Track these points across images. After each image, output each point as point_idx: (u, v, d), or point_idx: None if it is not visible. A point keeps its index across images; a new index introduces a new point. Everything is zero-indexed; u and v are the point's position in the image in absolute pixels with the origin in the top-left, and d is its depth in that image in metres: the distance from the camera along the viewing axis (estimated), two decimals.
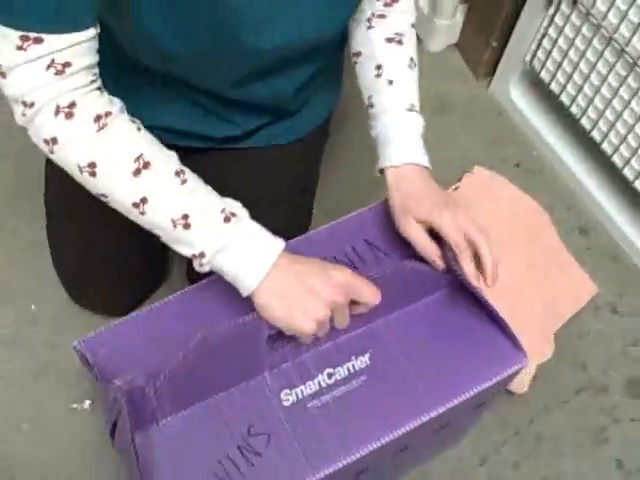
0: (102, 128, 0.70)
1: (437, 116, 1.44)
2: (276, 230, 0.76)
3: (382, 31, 0.89)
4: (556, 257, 1.25)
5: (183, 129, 0.95)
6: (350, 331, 0.81)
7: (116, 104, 0.73)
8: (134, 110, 0.77)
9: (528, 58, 1.34)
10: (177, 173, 0.73)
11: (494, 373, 0.82)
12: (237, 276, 0.72)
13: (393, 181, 0.83)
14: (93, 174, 0.71)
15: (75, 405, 1.09)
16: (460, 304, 0.84)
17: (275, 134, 1.00)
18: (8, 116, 0.72)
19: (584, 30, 1.21)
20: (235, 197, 0.84)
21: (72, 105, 0.69)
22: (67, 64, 0.68)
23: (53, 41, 0.66)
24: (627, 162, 1.23)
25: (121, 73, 0.85)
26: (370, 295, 0.74)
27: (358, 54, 0.90)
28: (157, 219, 0.73)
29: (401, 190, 0.83)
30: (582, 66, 1.24)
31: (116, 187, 0.72)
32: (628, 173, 1.24)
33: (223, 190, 0.86)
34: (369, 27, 0.89)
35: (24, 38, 0.64)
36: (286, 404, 0.78)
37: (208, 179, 0.93)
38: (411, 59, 0.89)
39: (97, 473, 1.05)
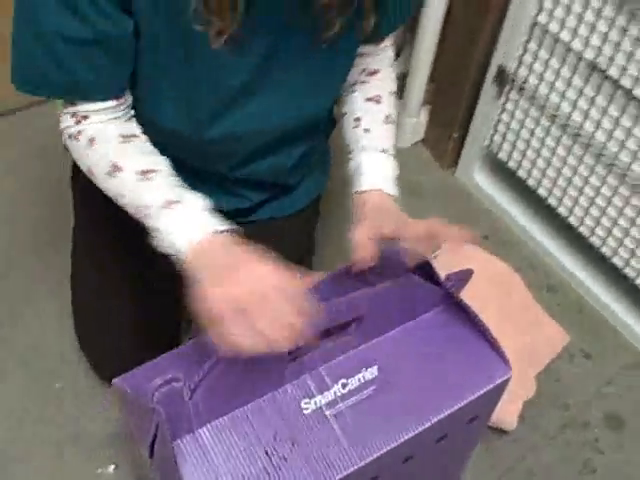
0: (92, 146, 0.90)
1: (409, 200, 1.60)
2: None
3: (362, 93, 1.06)
4: (529, 311, 1.40)
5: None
6: (359, 345, 0.93)
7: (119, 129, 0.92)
8: None
9: (486, 143, 1.54)
10: (142, 172, 0.87)
11: (484, 383, 0.94)
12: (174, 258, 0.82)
13: (358, 204, 0.95)
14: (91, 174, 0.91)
15: (100, 470, 1.17)
16: (453, 320, 0.97)
17: (278, 207, 1.15)
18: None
19: (532, 112, 1.41)
20: None
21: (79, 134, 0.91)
22: (85, 117, 0.90)
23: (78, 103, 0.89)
24: (582, 222, 1.40)
25: None
26: None
27: (342, 114, 1.07)
28: (133, 214, 0.87)
29: (364, 208, 0.94)
30: (534, 143, 1.44)
31: (104, 188, 0.91)
32: (585, 231, 1.41)
33: None
34: (352, 91, 1.06)
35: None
36: (306, 412, 0.89)
37: None
38: (387, 116, 1.04)
39: None
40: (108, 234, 1.15)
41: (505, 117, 1.47)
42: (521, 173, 1.49)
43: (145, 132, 0.96)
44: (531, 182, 1.48)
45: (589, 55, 1.26)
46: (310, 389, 0.90)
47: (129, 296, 1.16)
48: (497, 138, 1.52)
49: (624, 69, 1.21)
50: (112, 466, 1.18)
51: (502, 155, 1.52)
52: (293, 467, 0.85)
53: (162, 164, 0.90)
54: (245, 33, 0.84)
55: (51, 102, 0.98)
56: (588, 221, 1.39)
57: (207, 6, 0.79)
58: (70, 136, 0.92)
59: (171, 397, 0.82)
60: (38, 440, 1.19)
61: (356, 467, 0.85)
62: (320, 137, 1.14)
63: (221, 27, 0.82)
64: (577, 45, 1.27)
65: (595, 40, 1.24)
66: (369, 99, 1.05)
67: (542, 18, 1.31)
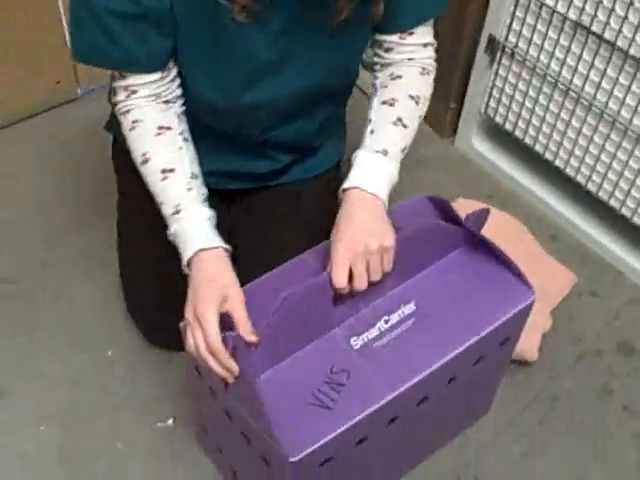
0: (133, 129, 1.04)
1: (413, 170, 1.72)
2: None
3: (380, 96, 1.11)
4: (536, 256, 1.51)
5: (235, 170, 1.21)
6: (396, 286, 1.05)
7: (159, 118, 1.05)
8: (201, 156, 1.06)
9: (483, 109, 1.66)
10: (162, 171, 1.02)
11: (512, 306, 1.07)
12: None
13: (342, 202, 1.02)
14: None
15: (160, 424, 1.28)
16: (477, 256, 1.09)
17: (304, 169, 1.27)
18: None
19: (523, 75, 1.53)
20: (279, 223, 1.10)
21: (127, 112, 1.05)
22: (134, 91, 1.03)
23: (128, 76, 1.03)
24: (578, 171, 1.52)
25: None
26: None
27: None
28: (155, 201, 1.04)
29: (342, 211, 1.01)
30: (527, 103, 1.55)
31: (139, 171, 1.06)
32: (582, 180, 1.53)
33: (269, 219, 1.14)
34: (374, 95, 1.12)
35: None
36: (356, 347, 1.00)
37: (256, 214, 1.20)
38: (398, 118, 1.07)
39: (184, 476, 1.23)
40: (149, 204, 1.25)
41: (498, 83, 1.59)
42: (518, 133, 1.61)
43: (195, 109, 1.08)
44: (528, 140, 1.59)
45: (573, 15, 1.38)
46: (357, 328, 1.01)
47: (177, 266, 1.27)
48: (492, 104, 1.63)
49: (606, 24, 1.33)
50: (171, 419, 1.28)
51: (498, 119, 1.63)
52: (350, 390, 0.96)
53: (182, 162, 1.04)
54: (265, 8, 0.96)
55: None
56: (584, 169, 1.51)
57: None
58: (119, 112, 1.06)
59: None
60: (95, 403, 1.30)
61: (408, 385, 0.97)
62: (339, 104, 1.25)
63: (244, 2, 0.94)
64: (560, 7, 1.39)
65: (577, 1, 1.36)
66: (384, 102, 1.09)
67: None
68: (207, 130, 1.14)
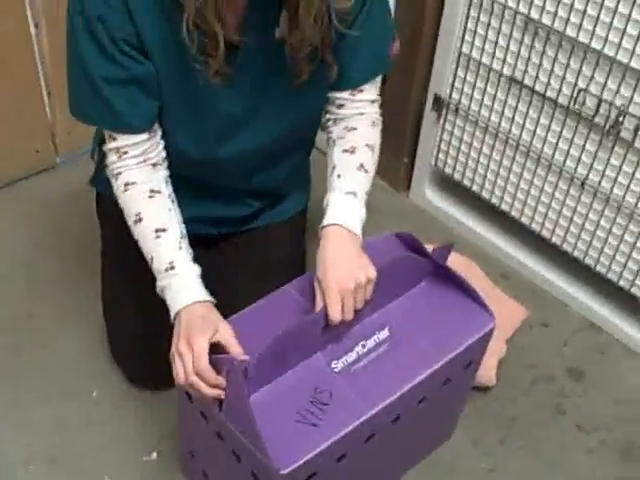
0: (126, 191, 1.15)
1: (372, 220, 1.82)
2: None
3: (340, 146, 1.23)
4: (488, 291, 1.63)
5: (211, 216, 1.33)
6: (371, 314, 1.16)
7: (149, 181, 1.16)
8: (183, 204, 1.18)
9: (433, 162, 1.81)
10: (156, 230, 1.12)
11: (475, 332, 1.19)
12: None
13: (321, 238, 1.13)
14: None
15: (145, 458, 1.35)
16: (443, 286, 1.22)
17: (275, 213, 1.40)
18: None
19: (467, 128, 1.69)
20: (251, 263, 1.22)
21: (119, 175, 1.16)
22: (125, 152, 1.14)
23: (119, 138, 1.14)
24: (522, 213, 1.67)
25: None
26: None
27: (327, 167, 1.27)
28: (144, 255, 1.14)
29: (324, 248, 1.12)
30: (472, 154, 1.71)
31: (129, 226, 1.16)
32: (525, 221, 1.67)
33: (242, 265, 1.26)
34: (333, 145, 1.25)
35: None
36: (336, 370, 1.10)
37: (229, 259, 1.31)
38: (360, 165, 1.20)
39: None
40: (132, 250, 1.35)
41: (445, 137, 1.75)
42: (466, 182, 1.76)
43: (176, 164, 1.20)
44: (475, 188, 1.74)
45: (507, 72, 1.55)
46: (337, 353, 1.12)
47: (160, 307, 1.36)
48: (441, 156, 1.78)
49: (536, 77, 1.50)
50: (155, 453, 1.36)
51: (448, 170, 1.78)
52: (333, 409, 1.05)
53: (173, 223, 1.15)
54: (234, 72, 1.09)
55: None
56: (527, 211, 1.66)
57: (200, 51, 1.04)
58: (112, 174, 1.17)
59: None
60: (83, 442, 1.37)
61: (384, 404, 1.07)
62: (303, 154, 1.39)
63: (214, 67, 1.07)
64: (496, 65, 1.56)
65: (510, 58, 1.53)
66: (345, 150, 1.21)
67: (465, 49, 1.60)
68: (187, 180, 1.25)
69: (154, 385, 1.41)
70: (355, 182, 1.19)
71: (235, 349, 1.02)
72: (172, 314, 1.08)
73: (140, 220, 1.14)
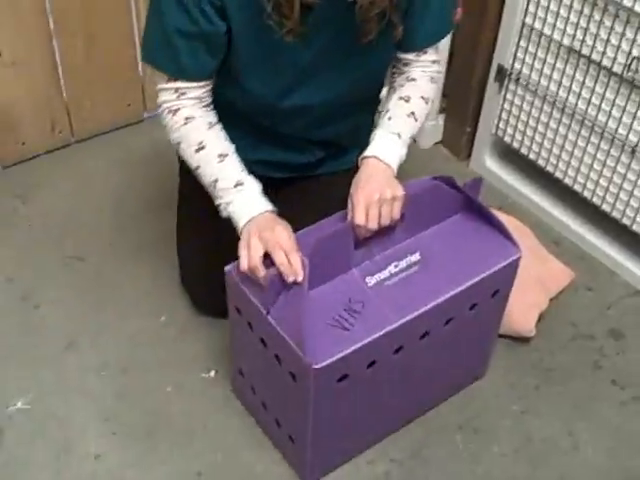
0: (187, 124, 1.28)
1: None
2: None
3: (397, 93, 1.38)
4: (540, 252, 1.70)
5: (276, 160, 1.45)
6: (404, 239, 1.27)
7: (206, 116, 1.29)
8: (243, 149, 1.31)
9: (494, 131, 1.89)
10: (219, 155, 1.25)
11: (501, 260, 1.28)
12: (234, 220, 1.23)
13: (360, 167, 1.28)
14: (179, 145, 1.31)
15: (203, 375, 1.50)
16: (474, 220, 1.32)
17: (335, 164, 1.51)
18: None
19: (527, 98, 1.76)
20: (315, 207, 1.33)
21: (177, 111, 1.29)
22: (183, 93, 1.27)
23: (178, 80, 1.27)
24: (574, 180, 1.73)
25: (234, 127, 1.36)
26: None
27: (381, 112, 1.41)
28: (204, 181, 1.28)
29: (359, 173, 1.27)
30: (531, 123, 1.78)
31: (186, 156, 1.29)
32: (579, 189, 1.74)
33: (305, 205, 1.38)
34: (392, 93, 1.39)
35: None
36: (370, 284, 1.22)
37: (294, 200, 1.43)
38: (412, 112, 1.33)
39: (225, 421, 1.43)
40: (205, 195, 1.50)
41: (507, 107, 1.83)
42: (524, 151, 1.83)
43: (241, 103, 1.33)
44: (532, 156, 1.82)
45: (567, 42, 1.62)
46: (371, 270, 1.24)
47: (224, 244, 1.49)
48: (502, 125, 1.86)
49: (593, 46, 1.57)
50: (213, 371, 1.50)
51: (507, 139, 1.86)
52: (365, 316, 1.17)
53: (232, 150, 1.29)
54: (308, 30, 1.20)
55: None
56: (580, 179, 1.73)
57: (276, 12, 1.16)
58: (169, 110, 1.29)
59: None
60: (150, 356, 1.52)
61: (412, 316, 1.18)
62: (367, 112, 1.50)
63: (289, 26, 1.18)
64: (557, 35, 1.64)
65: (570, 29, 1.61)
66: (401, 98, 1.35)
67: (528, 20, 1.68)
68: (255, 126, 1.38)
69: (216, 311, 1.55)
70: (403, 126, 1.32)
71: (296, 263, 1.14)
72: (240, 224, 1.21)
73: (203, 147, 1.27)
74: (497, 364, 1.52)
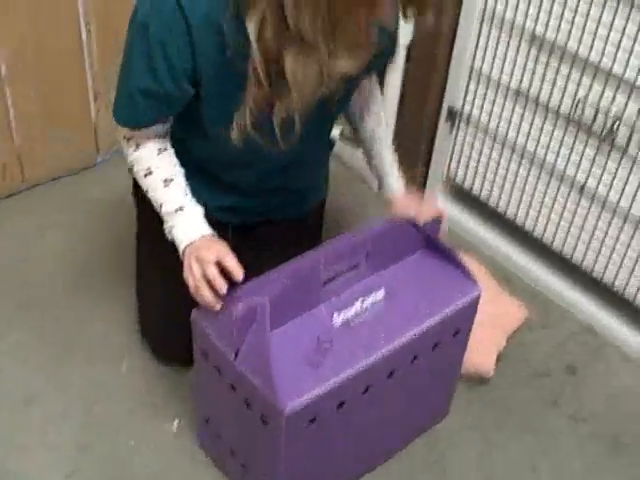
0: (136, 150, 1.31)
1: None
2: None
3: (372, 117, 1.46)
4: (493, 291, 1.73)
5: (235, 206, 1.45)
6: (370, 275, 1.28)
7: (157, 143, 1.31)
8: (200, 195, 1.31)
9: (445, 172, 1.93)
10: (165, 180, 1.28)
11: (462, 298, 1.30)
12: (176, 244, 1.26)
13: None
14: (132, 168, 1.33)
15: (167, 424, 1.46)
16: (435, 257, 1.34)
17: (293, 209, 1.52)
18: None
19: (478, 137, 1.81)
20: (272, 252, 1.34)
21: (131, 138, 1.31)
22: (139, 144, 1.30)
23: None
24: (525, 218, 1.78)
25: (190, 172, 1.35)
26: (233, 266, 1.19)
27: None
28: (154, 204, 1.30)
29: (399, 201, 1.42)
30: (482, 163, 1.83)
31: (138, 180, 1.32)
32: (530, 229, 1.78)
33: (268, 250, 1.42)
34: (364, 112, 1.46)
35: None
36: (337, 322, 1.22)
37: (256, 246, 1.44)
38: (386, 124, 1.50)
39: (190, 472, 1.40)
40: (162, 236, 1.48)
41: (458, 147, 1.88)
42: (474, 190, 1.88)
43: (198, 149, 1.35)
44: (483, 195, 1.86)
45: (514, 84, 1.68)
46: (338, 307, 1.24)
47: (184, 288, 1.48)
48: (453, 166, 1.91)
49: (540, 89, 1.64)
50: (176, 421, 1.47)
51: (458, 179, 1.91)
52: (334, 355, 1.17)
53: (179, 175, 1.31)
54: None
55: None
56: (530, 218, 1.78)
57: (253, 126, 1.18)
58: (124, 136, 1.31)
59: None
60: (111, 407, 1.48)
61: (379, 354, 1.18)
62: (324, 159, 1.54)
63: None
64: (505, 78, 1.70)
65: (517, 72, 1.67)
66: (378, 122, 1.47)
67: (477, 63, 1.74)
68: (210, 174, 1.40)
69: (177, 360, 1.52)
70: (391, 146, 1.51)
71: (232, 263, 1.18)
72: (181, 248, 1.24)
73: (150, 173, 1.29)
74: (458, 403, 1.53)
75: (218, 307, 1.18)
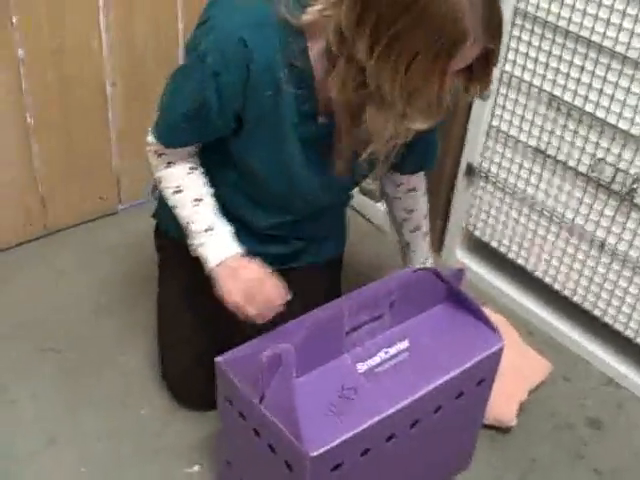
0: (168, 168, 1.36)
1: None
2: None
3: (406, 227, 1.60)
4: (517, 345, 1.73)
5: (255, 252, 1.43)
6: (394, 326, 1.30)
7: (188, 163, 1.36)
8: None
9: (464, 225, 1.95)
10: (194, 200, 1.32)
11: (486, 349, 1.31)
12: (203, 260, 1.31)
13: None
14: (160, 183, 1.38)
15: (187, 470, 1.46)
16: (458, 309, 1.35)
17: (312, 256, 1.55)
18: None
19: (496, 193, 1.84)
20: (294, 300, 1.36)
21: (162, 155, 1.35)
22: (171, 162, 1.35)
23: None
24: (545, 273, 1.80)
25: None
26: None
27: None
28: (179, 219, 1.35)
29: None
30: (501, 217, 1.86)
31: (165, 194, 1.36)
32: (551, 283, 1.80)
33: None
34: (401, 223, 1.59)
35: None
36: (361, 371, 1.23)
37: None
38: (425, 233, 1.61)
39: None
40: (183, 279, 1.51)
41: (476, 202, 1.90)
42: (493, 243, 1.90)
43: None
44: (502, 249, 1.89)
45: (533, 143, 1.72)
46: (362, 356, 1.25)
47: (206, 331, 1.50)
48: (472, 220, 1.93)
49: (559, 148, 1.67)
50: (197, 466, 1.47)
51: (477, 232, 1.93)
52: (358, 403, 1.18)
53: (208, 195, 1.35)
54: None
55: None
56: (551, 271, 1.79)
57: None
58: (155, 151, 1.35)
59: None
60: (130, 452, 1.49)
61: (403, 403, 1.19)
62: (342, 210, 1.59)
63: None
64: (523, 137, 1.73)
65: (535, 131, 1.71)
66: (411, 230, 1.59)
67: (495, 122, 1.78)
68: (233, 215, 1.41)
69: (198, 405, 1.53)
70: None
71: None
72: (210, 266, 1.30)
73: (180, 191, 1.34)
74: (480, 456, 1.52)
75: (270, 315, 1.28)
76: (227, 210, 1.39)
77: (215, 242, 1.31)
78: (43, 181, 1.90)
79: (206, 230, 1.31)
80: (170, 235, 1.51)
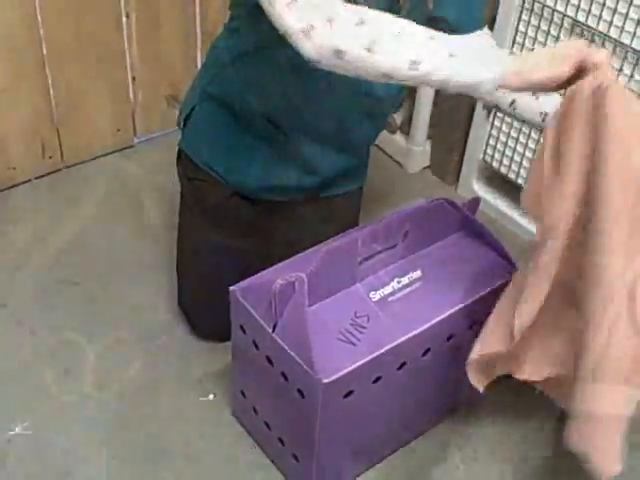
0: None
1: None
2: None
3: None
4: None
5: (284, 184, 1.44)
6: (407, 256, 1.30)
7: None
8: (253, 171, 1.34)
9: (481, 157, 1.93)
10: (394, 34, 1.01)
11: (500, 278, 1.30)
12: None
13: None
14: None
15: (202, 398, 1.49)
16: (472, 239, 1.35)
17: (345, 185, 1.52)
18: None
19: (514, 124, 1.81)
20: (314, 232, 1.34)
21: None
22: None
23: None
24: None
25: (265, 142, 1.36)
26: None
27: None
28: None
29: None
30: (518, 148, 1.83)
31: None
32: None
33: (305, 229, 1.41)
34: None
35: None
36: (374, 299, 1.24)
37: (295, 223, 1.43)
38: None
39: (226, 444, 1.43)
40: (209, 209, 1.50)
41: (494, 133, 1.87)
42: (510, 175, 1.88)
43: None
44: (519, 180, 1.86)
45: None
46: (375, 285, 1.26)
47: (226, 264, 1.50)
48: (489, 151, 1.91)
49: None
50: (211, 395, 1.50)
51: (495, 164, 1.91)
52: (370, 331, 1.19)
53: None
54: None
55: None
56: None
57: None
58: (303, 31, 1.00)
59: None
60: (148, 380, 1.52)
61: (415, 332, 1.20)
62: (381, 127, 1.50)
63: None
64: None
65: None
66: None
67: (516, 49, 1.73)
68: (281, 142, 1.36)
69: (215, 336, 1.55)
70: None
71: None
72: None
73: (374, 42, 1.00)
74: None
75: None
76: (273, 136, 1.35)
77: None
78: (58, 113, 1.90)
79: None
80: (199, 162, 1.44)
